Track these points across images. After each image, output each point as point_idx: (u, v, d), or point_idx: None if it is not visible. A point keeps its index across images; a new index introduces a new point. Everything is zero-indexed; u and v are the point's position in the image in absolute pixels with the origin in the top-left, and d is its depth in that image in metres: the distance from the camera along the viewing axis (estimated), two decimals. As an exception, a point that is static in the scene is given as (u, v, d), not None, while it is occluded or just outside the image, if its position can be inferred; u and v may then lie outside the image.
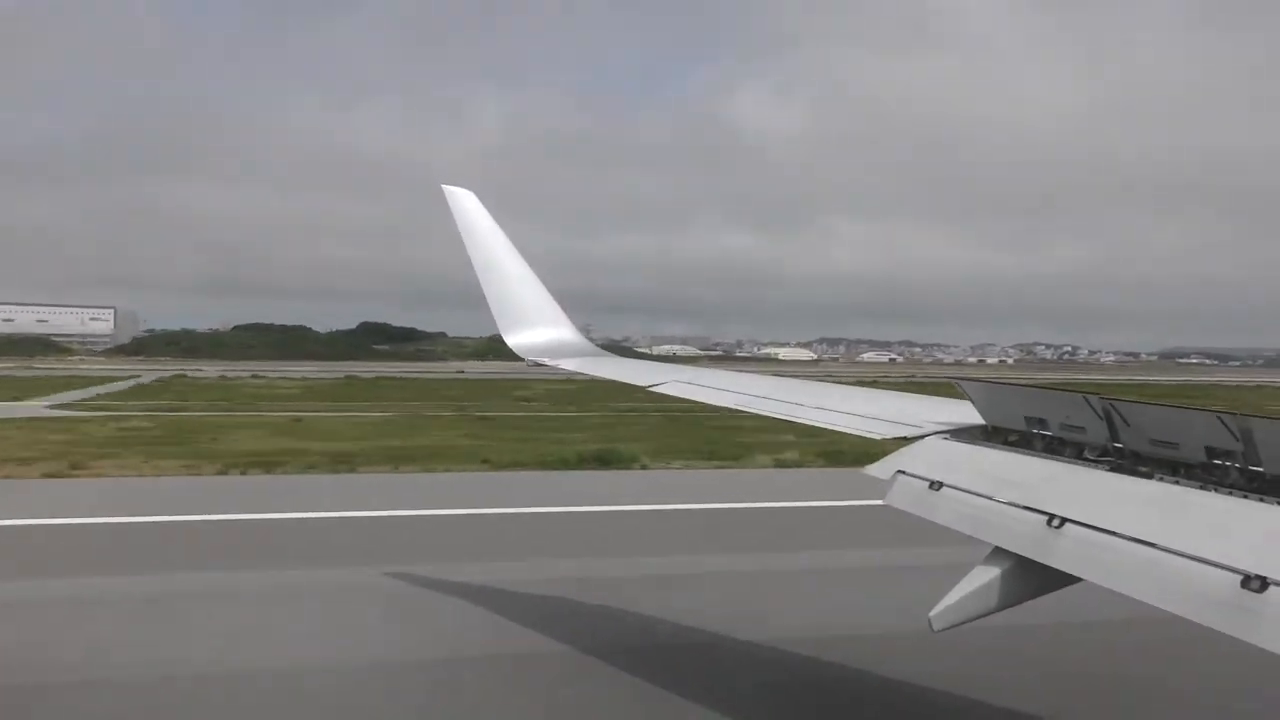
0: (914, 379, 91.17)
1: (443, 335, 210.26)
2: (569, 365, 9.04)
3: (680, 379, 8.23)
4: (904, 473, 5.08)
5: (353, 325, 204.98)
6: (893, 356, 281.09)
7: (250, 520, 16.55)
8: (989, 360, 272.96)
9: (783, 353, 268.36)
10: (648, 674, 9.13)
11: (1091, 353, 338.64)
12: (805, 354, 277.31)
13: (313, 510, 17.53)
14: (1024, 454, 4.84)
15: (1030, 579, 4.23)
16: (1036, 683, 9.08)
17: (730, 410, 7.43)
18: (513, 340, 9.28)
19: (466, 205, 9.41)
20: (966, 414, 5.44)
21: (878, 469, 5.28)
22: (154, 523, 16.19)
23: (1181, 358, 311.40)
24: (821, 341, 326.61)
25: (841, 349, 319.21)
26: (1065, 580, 4.09)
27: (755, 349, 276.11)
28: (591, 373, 8.88)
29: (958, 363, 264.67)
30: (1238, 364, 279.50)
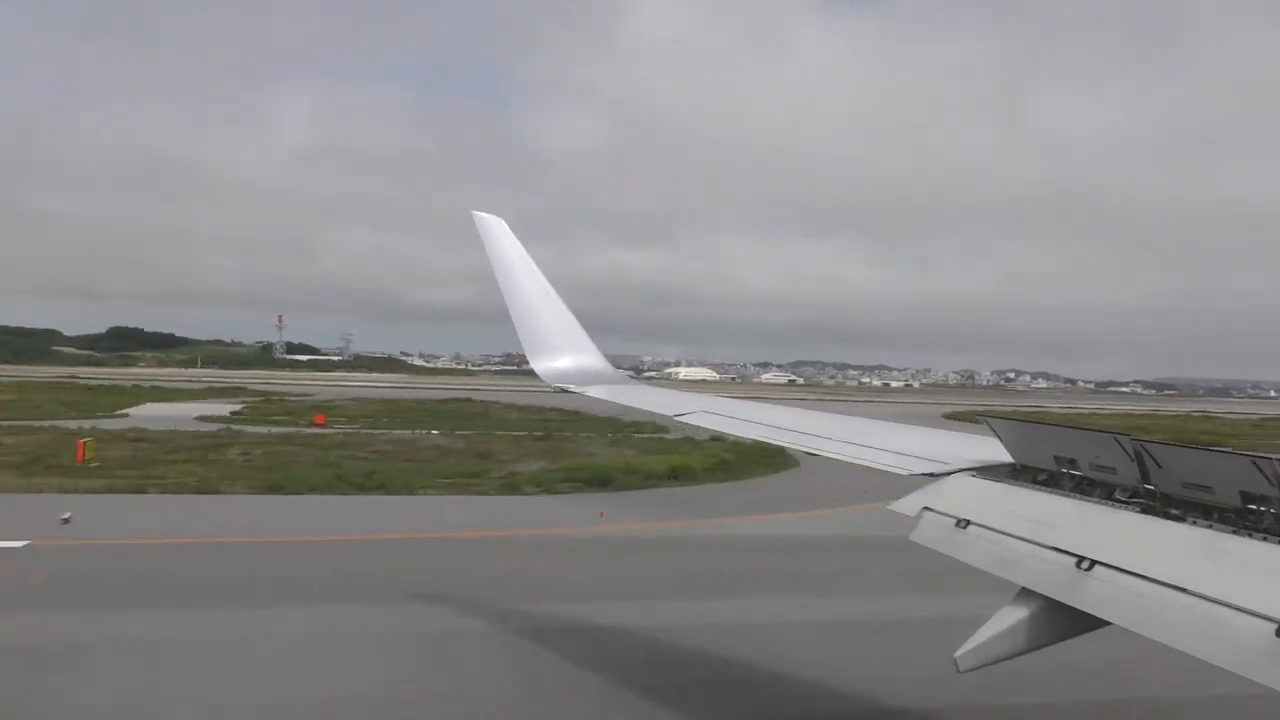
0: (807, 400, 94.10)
1: (219, 342, 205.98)
2: (595, 393, 9.25)
3: (706, 409, 8.28)
4: (931, 510, 5.01)
5: (103, 330, 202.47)
6: (792, 378, 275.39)
7: None
8: (893, 385, 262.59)
9: (684, 372, 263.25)
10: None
11: (1033, 377, 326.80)
12: (707, 373, 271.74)
13: None
14: (1053, 493, 4.71)
15: (1059, 621, 4.13)
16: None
17: (757, 441, 7.59)
18: (539, 366, 9.31)
19: (495, 232, 9.42)
20: (995, 452, 5.30)
21: (904, 505, 5.20)
22: None
23: (1117, 387, 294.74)
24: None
25: (740, 369, 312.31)
26: (1094, 623, 4.01)
27: (658, 370, 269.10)
28: (617, 400, 9.06)
29: (860, 385, 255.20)
30: (1174, 393, 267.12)
